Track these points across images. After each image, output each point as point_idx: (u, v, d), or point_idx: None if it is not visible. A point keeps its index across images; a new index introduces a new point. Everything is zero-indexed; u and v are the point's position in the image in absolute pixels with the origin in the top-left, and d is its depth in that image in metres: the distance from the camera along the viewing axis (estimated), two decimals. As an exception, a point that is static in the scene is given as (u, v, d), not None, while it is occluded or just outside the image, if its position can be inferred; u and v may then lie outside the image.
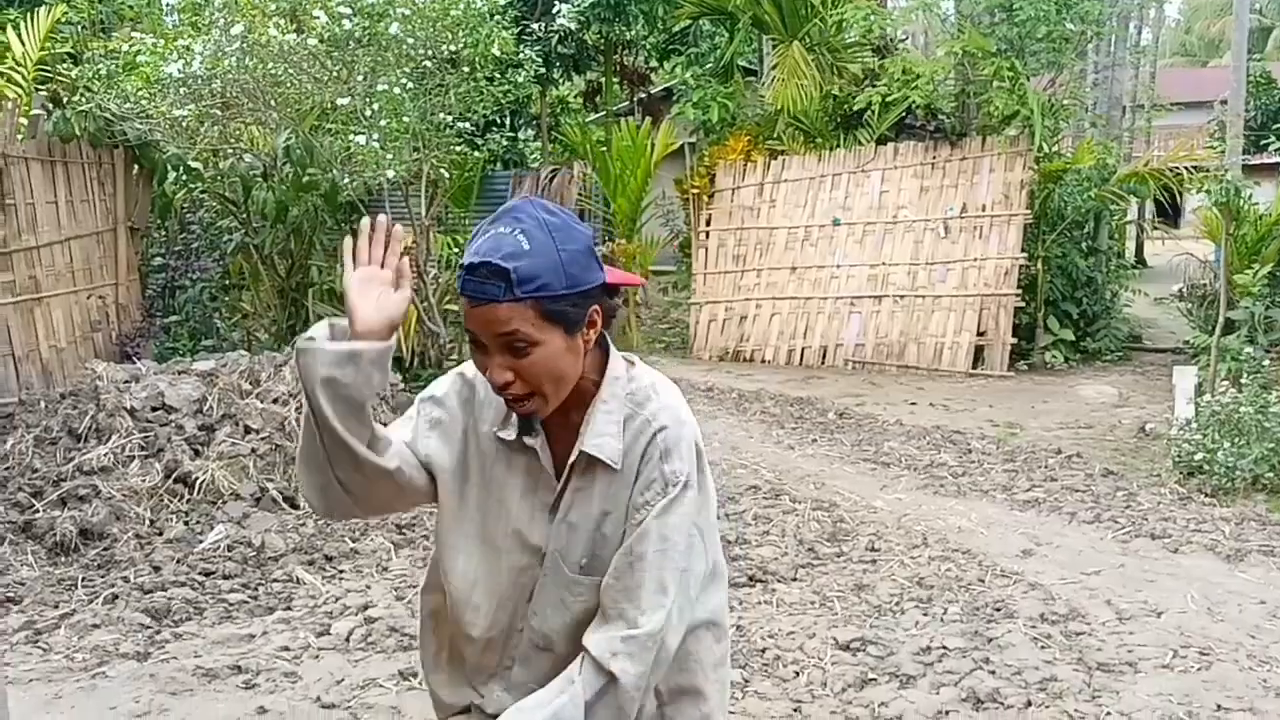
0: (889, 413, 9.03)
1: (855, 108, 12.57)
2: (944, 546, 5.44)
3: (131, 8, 14.14)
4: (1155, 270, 17.71)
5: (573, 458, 1.64)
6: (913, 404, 9.43)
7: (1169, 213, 18.47)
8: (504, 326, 1.51)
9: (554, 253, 1.52)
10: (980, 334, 11.10)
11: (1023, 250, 11.18)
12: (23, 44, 9.95)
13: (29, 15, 10.44)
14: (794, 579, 5.00)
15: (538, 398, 1.57)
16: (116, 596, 4.92)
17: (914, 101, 11.86)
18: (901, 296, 11.60)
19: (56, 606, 4.86)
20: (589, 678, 1.57)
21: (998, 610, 4.58)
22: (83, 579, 5.17)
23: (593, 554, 1.66)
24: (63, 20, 10.60)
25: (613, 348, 1.72)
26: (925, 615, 4.54)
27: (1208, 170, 11.21)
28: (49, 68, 10.20)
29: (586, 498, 1.65)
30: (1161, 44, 25.53)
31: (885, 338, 11.57)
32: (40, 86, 9.68)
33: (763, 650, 4.20)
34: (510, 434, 1.68)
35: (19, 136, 8.06)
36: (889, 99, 12.01)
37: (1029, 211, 11.22)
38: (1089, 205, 11.57)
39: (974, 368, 10.97)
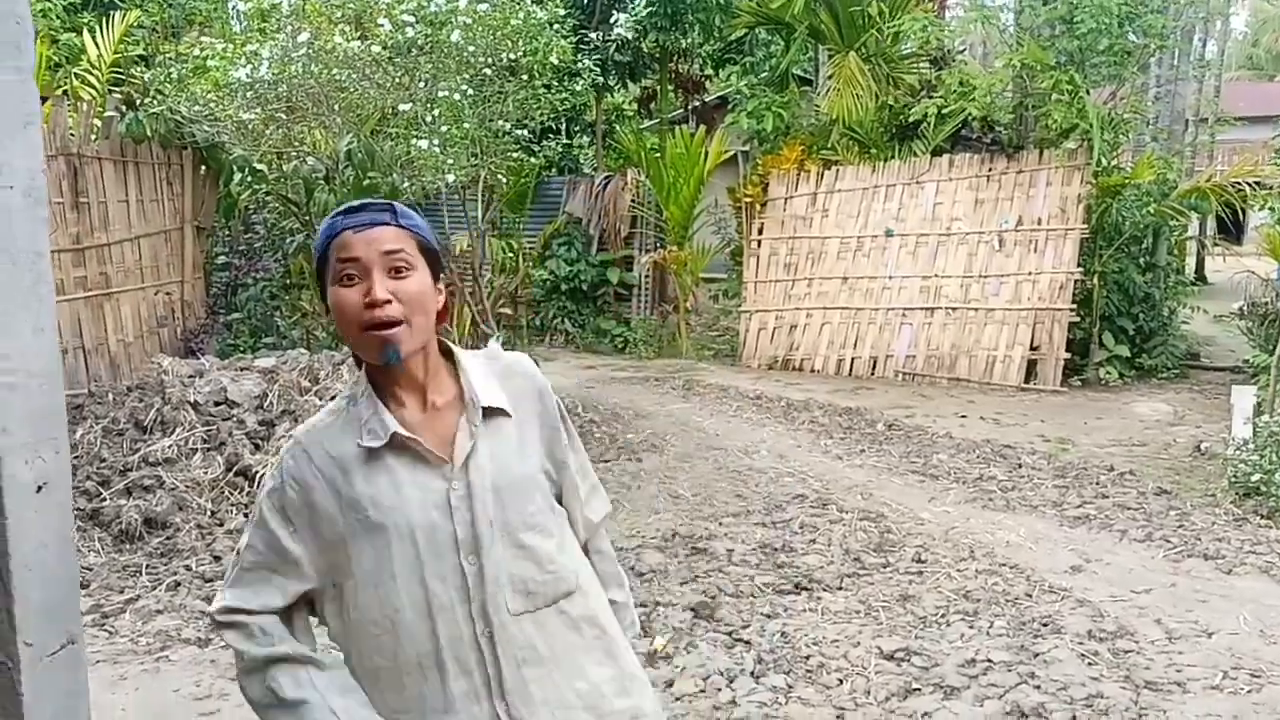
0: (938, 425, 9.00)
1: (911, 119, 12.52)
2: (991, 560, 5.43)
3: (200, 11, 14.54)
4: (1216, 287, 17.42)
5: (475, 420, 1.72)
6: (963, 417, 9.39)
7: (1231, 229, 18.15)
8: (393, 245, 1.68)
9: (420, 218, 1.78)
10: (1033, 348, 11.00)
11: (1078, 265, 11.07)
12: (97, 47, 10.28)
13: (104, 20, 10.77)
14: (839, 588, 5.02)
15: (405, 326, 1.65)
16: (179, 584, 5.09)
17: (970, 113, 11.79)
18: (954, 309, 11.54)
19: (122, 591, 5.04)
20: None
21: (1045, 625, 4.57)
22: (147, 566, 5.35)
23: (532, 492, 1.78)
24: (135, 24, 10.93)
25: (453, 345, 1.84)
26: (971, 628, 4.54)
27: (1271, 187, 11.02)
28: (122, 70, 10.53)
29: (500, 453, 1.74)
30: (1227, 57, 25.07)
31: (936, 350, 11.52)
32: (114, 89, 9.99)
33: (807, 657, 4.24)
34: (377, 437, 1.69)
35: (93, 137, 8.32)
36: (945, 110, 11.95)
37: (1086, 226, 11.11)
38: (1148, 220, 11.43)
39: (1026, 382, 10.88)
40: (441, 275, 1.79)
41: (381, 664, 1.73)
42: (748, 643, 4.37)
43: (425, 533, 1.68)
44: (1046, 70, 11.07)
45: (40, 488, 1.85)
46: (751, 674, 4.09)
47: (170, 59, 9.78)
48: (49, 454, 1.87)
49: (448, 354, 1.81)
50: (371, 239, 1.66)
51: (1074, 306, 10.98)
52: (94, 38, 10.46)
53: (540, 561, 1.74)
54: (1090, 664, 4.17)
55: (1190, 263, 18.25)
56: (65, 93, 10.27)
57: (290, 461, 1.76)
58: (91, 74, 10.23)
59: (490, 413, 1.74)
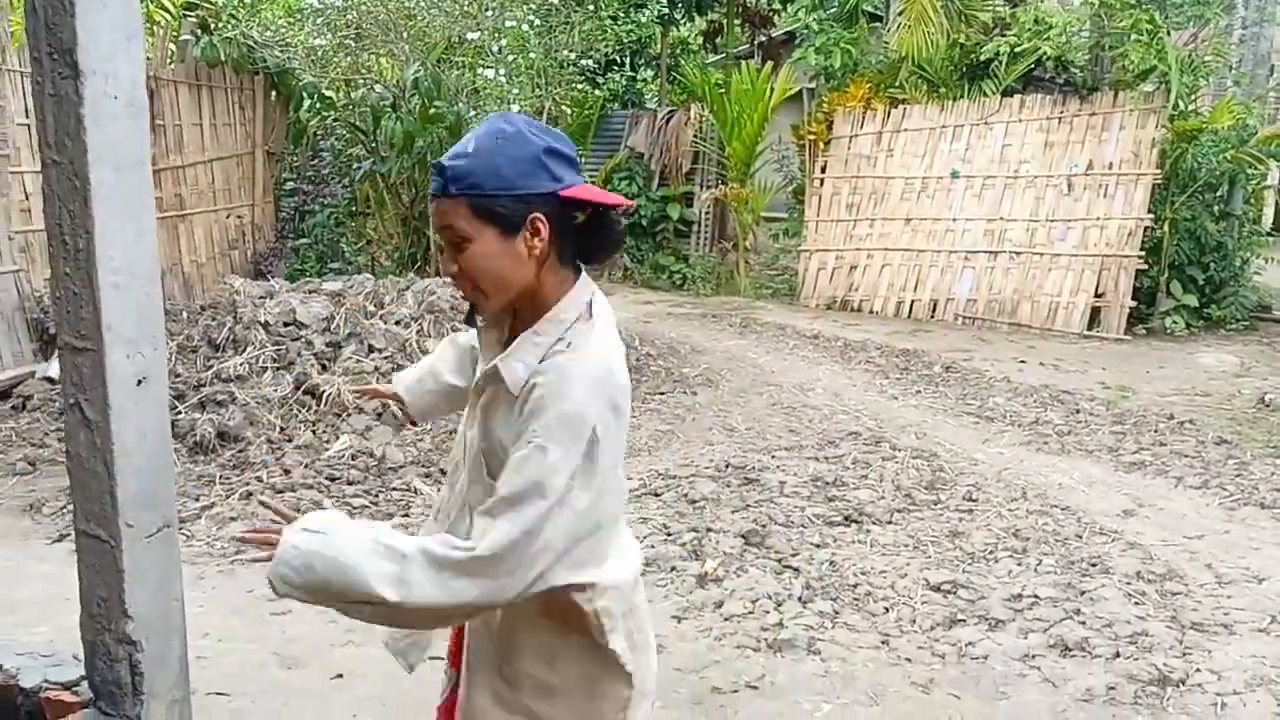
0: (997, 369, 8.95)
1: (982, 57, 12.24)
2: (1043, 501, 5.46)
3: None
4: (1293, 239, 16.91)
5: (487, 367, 1.75)
6: (1022, 362, 9.32)
7: (1313, 179, 17.54)
8: (443, 219, 1.65)
9: (494, 156, 1.63)
10: (1098, 295, 10.84)
11: (1149, 211, 10.84)
12: (172, -29, 10.42)
13: (178, -57, 10.90)
14: (889, 522, 5.10)
15: (478, 293, 1.69)
16: (251, 494, 5.30)
17: (1044, 53, 11.50)
18: (1018, 253, 11.39)
19: (197, 499, 5.27)
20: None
21: (1093, 565, 4.61)
22: (220, 477, 5.58)
23: (485, 459, 1.76)
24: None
25: (590, 284, 1.73)
26: (1019, 565, 4.60)
27: (1357, 135, 10.67)
28: (195, -6, 10.67)
29: (492, 407, 1.73)
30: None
31: (998, 294, 11.40)
32: (188, 13, 10.14)
33: (854, 585, 4.33)
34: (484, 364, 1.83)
35: (169, 61, 8.49)
36: (1018, 49, 11.68)
37: (1159, 171, 10.85)
38: (1224, 167, 11.12)
39: (1089, 329, 10.74)
40: (532, 215, 1.64)
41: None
42: (796, 570, 4.47)
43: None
44: (1126, 9, 10.75)
45: (140, 381, 1.99)
46: (799, 599, 4.20)
47: (242, -16, 9.90)
48: (148, 350, 2.00)
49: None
50: (436, 214, 1.68)
51: (1142, 254, 10.77)
52: (168, -38, 10.61)
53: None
54: (1137, 604, 4.21)
55: (1268, 213, 17.71)
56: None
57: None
58: (166, -2, 10.41)
59: (496, 378, 1.70)
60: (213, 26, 9.05)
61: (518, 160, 1.63)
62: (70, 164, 1.86)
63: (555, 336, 1.68)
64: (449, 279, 1.72)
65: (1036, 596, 4.26)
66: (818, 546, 4.74)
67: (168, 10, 10.35)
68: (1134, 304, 10.78)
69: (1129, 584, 4.40)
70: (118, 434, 1.94)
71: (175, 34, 8.99)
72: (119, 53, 1.88)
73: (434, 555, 1.58)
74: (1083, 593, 4.30)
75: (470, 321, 1.83)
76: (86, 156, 1.85)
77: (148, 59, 8.30)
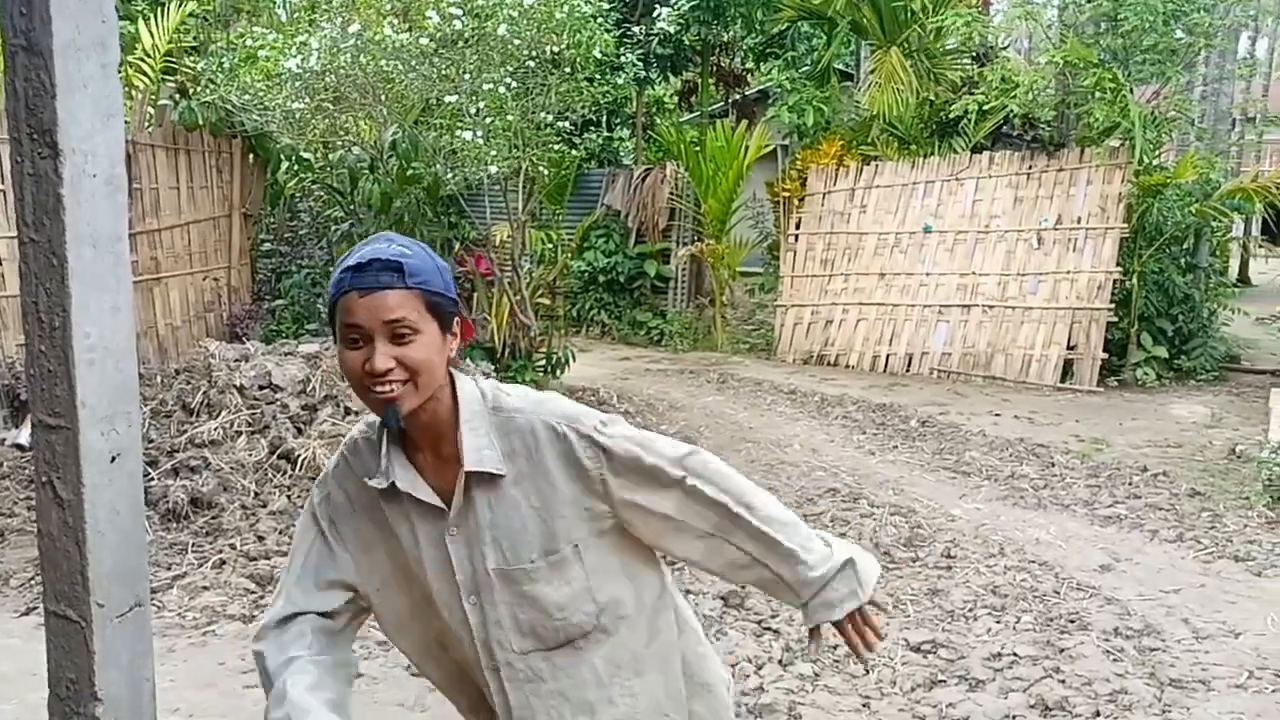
0: (972, 423, 9.01)
1: (951, 115, 12.49)
2: (1021, 557, 5.48)
3: (249, 1, 14.74)
4: (1260, 289, 17.22)
5: (461, 482, 1.72)
6: (997, 415, 9.39)
7: (1276, 231, 17.91)
8: (394, 313, 1.63)
9: (430, 260, 1.71)
10: (1070, 348, 10.97)
11: (1118, 264, 11.01)
12: (152, 36, 10.50)
13: (158, 9, 10.99)
14: (869, 580, 5.08)
15: (409, 385, 1.65)
16: (224, 562, 5.24)
17: (1012, 111, 11.75)
18: (991, 306, 11.52)
19: (169, 568, 5.20)
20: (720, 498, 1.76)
21: (1071, 622, 4.62)
22: (193, 544, 5.52)
23: (539, 544, 1.74)
24: (189, 14, 11.15)
25: (454, 371, 1.78)
26: (998, 623, 4.60)
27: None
28: (174, 59, 10.75)
29: (491, 511, 1.73)
30: (1275, 56, 24.66)
31: (972, 348, 11.51)
32: (167, 77, 10.21)
33: (834, 647, 4.30)
34: (381, 481, 1.75)
35: (147, 125, 8.53)
36: (986, 107, 11.92)
37: (1126, 225, 11.05)
38: (1189, 220, 11.34)
39: (1062, 382, 10.85)
40: (455, 318, 1.73)
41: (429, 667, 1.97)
42: (776, 631, 4.46)
43: (435, 568, 1.78)
44: (1089, 68, 11.02)
45: (114, 458, 1.98)
46: (779, 662, 4.18)
47: (222, 48, 9.99)
48: (122, 426, 2.00)
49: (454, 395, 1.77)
50: (375, 306, 1.62)
51: (1112, 306, 10.93)
52: (148, 27, 10.68)
53: (548, 609, 1.75)
54: (1116, 660, 4.21)
55: (1233, 264, 18.04)
56: (120, 80, 10.51)
57: (335, 471, 1.87)
58: (145, 63, 10.46)
59: (479, 477, 1.72)
60: (191, 91, 9.11)
61: (443, 270, 1.73)
62: (48, 242, 1.87)
63: (482, 412, 1.74)
64: (374, 372, 1.64)
65: (1016, 655, 4.26)
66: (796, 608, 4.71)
67: (147, 75, 10.42)
68: (1105, 356, 10.91)
69: (1107, 640, 4.41)
70: (90, 512, 1.93)
71: (154, 98, 9.04)
72: (98, 132, 1.90)
73: None
74: (1062, 650, 4.31)
75: (393, 421, 1.69)
76: (65, 235, 1.85)
77: (126, 122, 8.35)
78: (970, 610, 4.75)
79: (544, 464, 1.73)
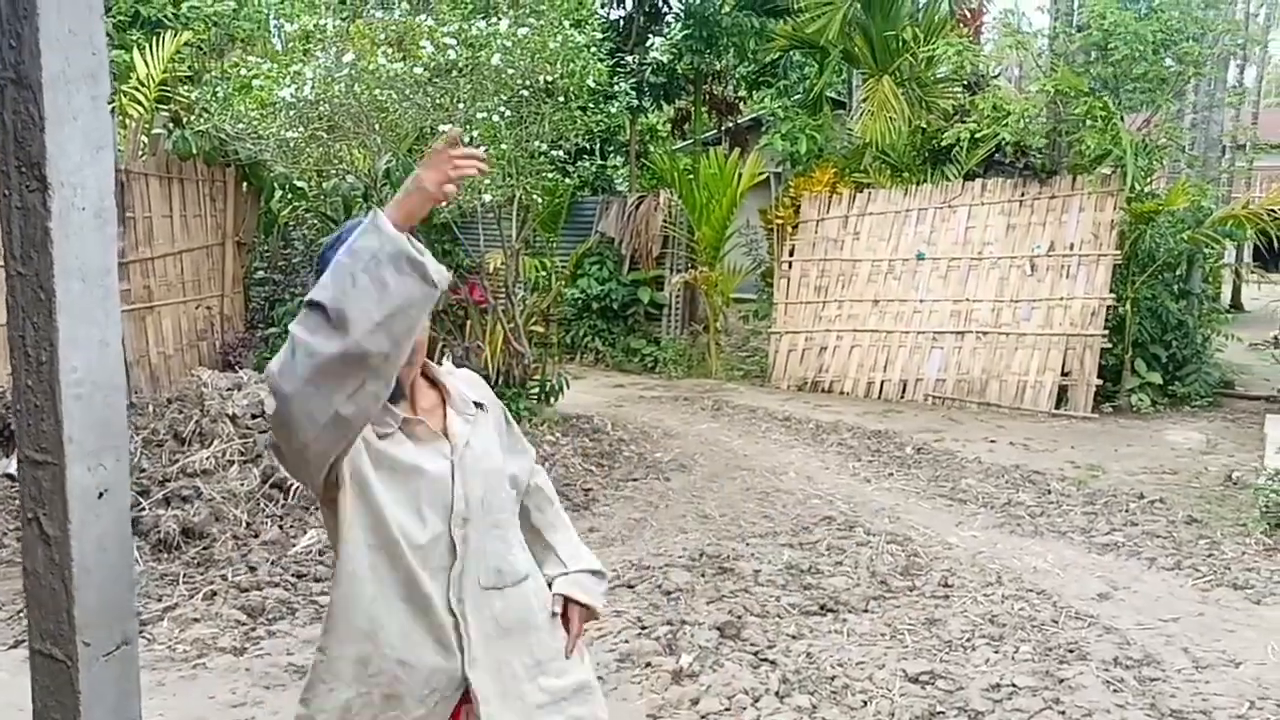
0: (968, 450, 8.99)
1: (944, 143, 12.55)
2: (1018, 586, 5.44)
3: (243, 30, 14.82)
4: (1253, 315, 17.25)
5: (467, 411, 2.08)
6: (992, 442, 9.37)
7: (1267, 257, 17.98)
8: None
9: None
10: (1064, 374, 10.97)
11: (1111, 291, 11.04)
12: (147, 66, 10.52)
13: (153, 39, 11.02)
14: (865, 610, 5.05)
15: (409, 368, 2.01)
16: (215, 593, 5.19)
17: (1003, 138, 11.81)
18: (984, 333, 11.53)
19: (160, 600, 5.14)
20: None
21: (1070, 652, 4.58)
22: (184, 575, 5.46)
23: (508, 480, 2.13)
24: (185, 43, 11.18)
25: (425, 360, 2.13)
26: (996, 653, 4.56)
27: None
28: (169, 88, 10.76)
29: (487, 444, 2.08)
30: (1265, 84, 24.87)
31: (967, 374, 11.51)
32: (161, 106, 10.22)
33: (831, 678, 4.27)
34: (392, 423, 1.96)
35: (140, 154, 8.52)
36: (978, 135, 11.98)
37: (1119, 252, 11.08)
38: (1181, 247, 11.39)
39: (1057, 408, 10.84)
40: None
41: (368, 578, 1.92)
42: (773, 662, 4.41)
43: (428, 494, 1.95)
44: (1080, 96, 11.08)
45: (102, 494, 1.96)
46: (776, 694, 4.13)
47: (216, 78, 10.01)
48: (110, 462, 1.97)
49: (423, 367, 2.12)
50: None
51: (1106, 333, 10.94)
52: (143, 56, 10.71)
53: (510, 543, 2.07)
54: (1116, 691, 4.17)
55: (1226, 290, 18.09)
56: (114, 111, 10.52)
57: None
58: (140, 92, 10.48)
59: (479, 407, 2.11)
60: (185, 120, 9.12)
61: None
62: (35, 276, 1.86)
63: (447, 373, 2.17)
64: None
65: (1015, 685, 4.21)
66: (794, 638, 4.68)
67: (141, 105, 10.43)
68: (1100, 382, 10.90)
69: (1107, 670, 4.37)
70: (77, 549, 1.90)
71: (147, 127, 9.04)
72: (88, 164, 1.89)
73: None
74: (1061, 681, 4.26)
75: (398, 399, 1.98)
76: (53, 269, 1.84)
77: (119, 151, 8.36)
78: (968, 640, 4.71)
79: (494, 414, 2.18)
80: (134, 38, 12.29)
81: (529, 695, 2.03)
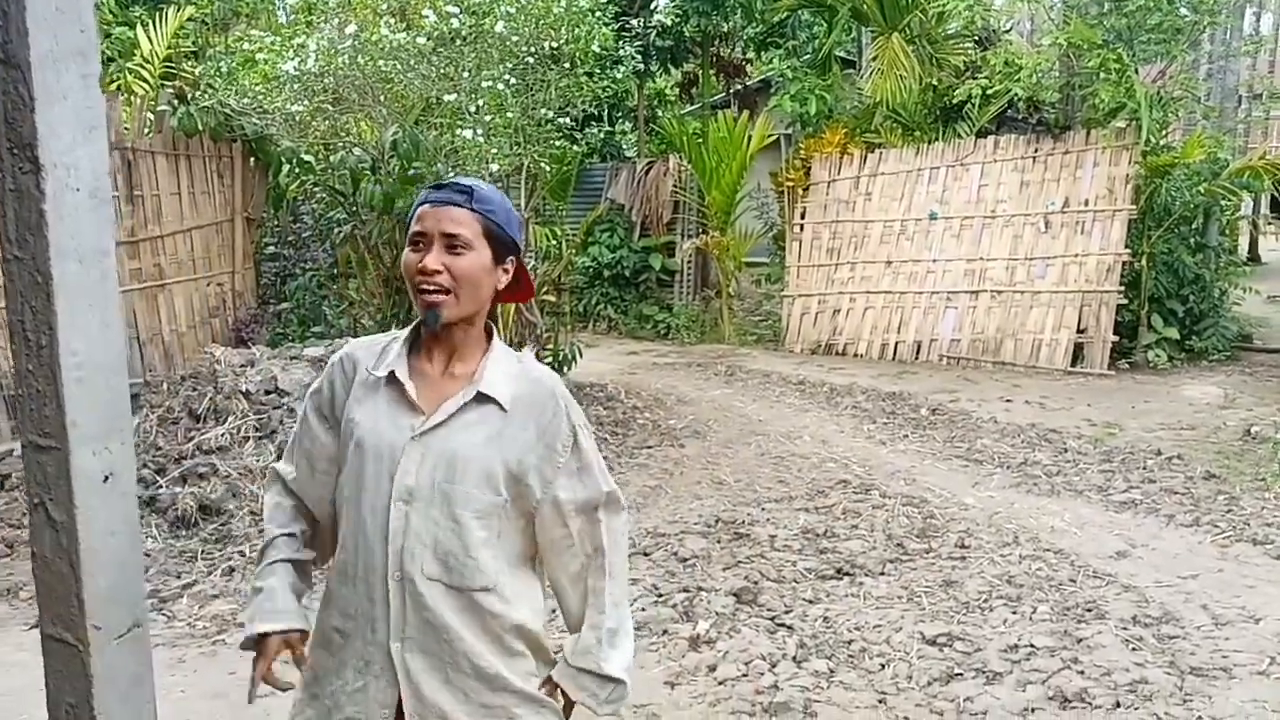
0: (983, 409, 8.95)
1: (955, 100, 12.41)
2: (1035, 546, 5.42)
3: (247, 4, 14.73)
4: (1270, 267, 17.09)
5: (466, 396, 1.91)
6: (1008, 401, 9.32)
7: (1286, 208, 17.76)
8: (455, 226, 1.88)
9: (503, 202, 1.96)
10: (1080, 331, 10.89)
11: (1126, 246, 10.92)
12: (150, 42, 10.47)
13: (157, 14, 10.95)
14: (882, 573, 5.04)
15: (451, 296, 1.88)
16: (233, 569, 5.22)
17: (1016, 94, 11.66)
18: (999, 292, 11.44)
19: (179, 577, 5.18)
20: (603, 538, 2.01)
21: (1088, 611, 4.57)
22: (202, 552, 5.50)
23: (488, 482, 1.91)
24: (187, 18, 11.11)
25: (497, 336, 2.03)
26: (1014, 613, 4.55)
27: (1327, 165, 10.79)
28: (173, 64, 10.71)
29: (472, 432, 1.91)
30: (1282, 31, 24.43)
31: (981, 333, 11.44)
32: (166, 83, 10.17)
33: (849, 642, 4.27)
34: (381, 371, 1.95)
35: (146, 131, 8.49)
36: (990, 91, 11.84)
37: (1134, 207, 10.95)
38: (1198, 200, 11.25)
39: (1073, 365, 10.77)
40: (510, 257, 1.96)
41: (335, 562, 2.01)
42: (790, 627, 4.41)
43: (374, 464, 1.91)
44: (1094, 49, 10.91)
45: (107, 478, 1.94)
46: (793, 659, 4.13)
47: (220, 53, 9.94)
48: (115, 445, 1.96)
49: (490, 339, 2.01)
50: (440, 215, 1.88)
51: (1122, 289, 10.84)
52: (147, 32, 10.65)
53: (467, 544, 1.89)
54: (1134, 649, 4.16)
55: (1243, 243, 17.89)
56: (119, 88, 10.48)
57: (331, 367, 2.06)
58: (144, 69, 10.43)
59: (484, 399, 1.92)
60: (189, 96, 9.07)
61: (514, 213, 1.98)
62: (32, 259, 1.83)
63: (508, 356, 1.99)
64: (423, 272, 1.87)
65: (1033, 646, 4.20)
66: (811, 602, 4.68)
67: (146, 81, 10.38)
68: (1116, 339, 10.82)
69: (1125, 629, 4.35)
70: (84, 534, 1.89)
71: (153, 104, 9.00)
72: (80, 144, 1.85)
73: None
74: (1079, 640, 4.25)
75: (432, 322, 1.90)
76: (49, 251, 1.81)
77: (125, 129, 8.33)
78: (985, 601, 4.70)
79: (530, 421, 1.93)
80: (137, 14, 12.22)
81: (470, 689, 1.90)
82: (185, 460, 6.44)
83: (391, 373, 1.94)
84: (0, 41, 1.78)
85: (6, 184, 1.83)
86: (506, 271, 1.96)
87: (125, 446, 1.98)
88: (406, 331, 2.00)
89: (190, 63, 10.42)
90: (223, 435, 6.60)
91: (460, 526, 1.88)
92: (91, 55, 1.87)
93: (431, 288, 1.87)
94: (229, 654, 4.25)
